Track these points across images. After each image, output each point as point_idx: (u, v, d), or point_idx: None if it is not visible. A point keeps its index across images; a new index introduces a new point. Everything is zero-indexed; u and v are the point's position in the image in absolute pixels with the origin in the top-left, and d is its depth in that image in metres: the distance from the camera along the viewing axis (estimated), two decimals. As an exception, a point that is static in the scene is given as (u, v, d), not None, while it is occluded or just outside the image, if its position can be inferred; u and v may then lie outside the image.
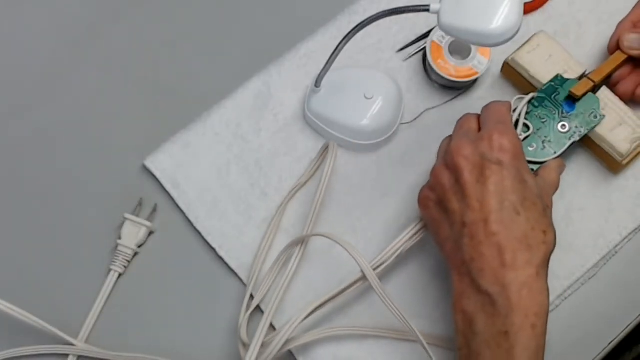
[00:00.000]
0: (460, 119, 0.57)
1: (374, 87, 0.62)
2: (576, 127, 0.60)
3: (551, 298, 0.59)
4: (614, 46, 0.63)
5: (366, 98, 0.62)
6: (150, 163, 0.64)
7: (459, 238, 0.51)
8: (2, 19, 0.69)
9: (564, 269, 0.61)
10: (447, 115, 0.65)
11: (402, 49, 0.67)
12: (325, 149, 0.62)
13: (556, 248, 0.60)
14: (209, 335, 0.60)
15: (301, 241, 0.60)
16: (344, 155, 0.63)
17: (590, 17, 0.67)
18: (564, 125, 0.60)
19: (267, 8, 0.68)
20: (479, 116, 0.56)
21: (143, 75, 0.67)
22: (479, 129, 0.55)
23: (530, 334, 0.49)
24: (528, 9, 0.67)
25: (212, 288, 0.61)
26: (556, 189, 0.56)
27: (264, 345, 0.56)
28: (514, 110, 0.60)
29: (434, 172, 0.54)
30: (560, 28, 0.67)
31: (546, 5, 0.67)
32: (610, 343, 0.60)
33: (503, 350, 0.48)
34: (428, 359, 0.55)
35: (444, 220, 0.53)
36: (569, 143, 0.60)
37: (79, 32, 0.68)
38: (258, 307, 0.60)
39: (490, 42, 0.51)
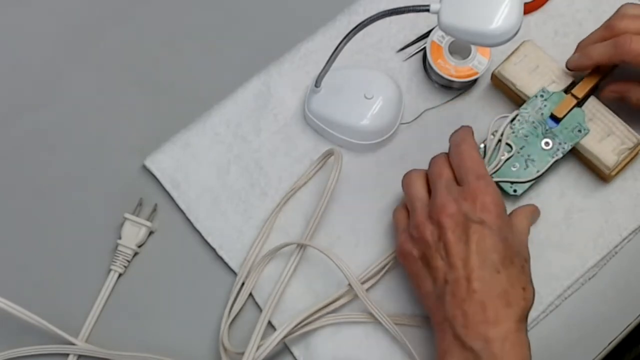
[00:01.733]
0: (432, 163, 0.58)
1: (374, 87, 0.62)
2: (559, 143, 0.60)
3: (551, 298, 0.60)
4: (573, 64, 0.61)
5: (366, 98, 0.62)
6: (150, 163, 0.64)
7: (442, 295, 0.52)
8: (2, 19, 0.69)
9: (564, 269, 0.61)
10: (447, 115, 0.65)
11: (402, 49, 0.67)
12: (328, 155, 0.62)
13: (556, 248, 0.61)
14: (209, 335, 0.60)
15: (297, 247, 0.60)
16: (344, 155, 0.63)
17: (590, 17, 0.67)
18: (547, 142, 0.60)
19: (267, 8, 0.69)
20: (448, 157, 0.57)
21: (143, 75, 0.67)
22: (454, 174, 0.56)
23: None
24: (528, 9, 0.67)
25: (212, 288, 0.61)
26: (527, 235, 0.57)
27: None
28: (496, 132, 0.60)
29: (417, 227, 0.55)
30: (560, 28, 0.67)
31: (546, 5, 0.67)
32: (610, 343, 0.60)
33: None
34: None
35: (426, 275, 0.54)
36: (551, 161, 0.60)
37: (79, 32, 0.68)
38: (257, 307, 0.60)
39: (490, 42, 0.51)
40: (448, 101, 0.65)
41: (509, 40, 0.51)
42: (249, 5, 0.69)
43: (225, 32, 0.68)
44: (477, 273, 0.51)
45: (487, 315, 0.50)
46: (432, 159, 0.58)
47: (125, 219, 0.62)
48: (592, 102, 0.61)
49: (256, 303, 0.60)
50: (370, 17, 0.53)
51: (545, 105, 0.61)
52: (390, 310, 0.60)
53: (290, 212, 0.62)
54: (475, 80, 0.65)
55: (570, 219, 0.62)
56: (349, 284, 0.58)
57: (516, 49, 0.63)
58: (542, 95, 0.61)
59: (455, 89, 0.65)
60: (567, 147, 0.60)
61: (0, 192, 0.64)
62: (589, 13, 0.67)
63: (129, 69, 0.67)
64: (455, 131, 0.58)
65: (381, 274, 0.60)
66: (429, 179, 0.57)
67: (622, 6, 0.60)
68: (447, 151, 0.58)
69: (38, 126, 0.65)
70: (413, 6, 0.52)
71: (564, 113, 0.60)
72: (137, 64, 0.67)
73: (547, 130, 0.60)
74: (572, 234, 0.62)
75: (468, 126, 0.58)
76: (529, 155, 0.60)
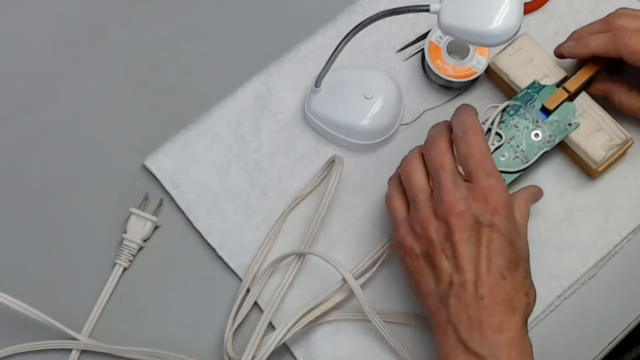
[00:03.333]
0: (431, 147, 0.54)
1: (374, 87, 0.62)
2: (550, 135, 0.60)
3: (551, 298, 0.60)
4: (568, 50, 0.61)
5: (366, 98, 0.62)
6: (150, 163, 0.64)
7: (445, 297, 0.51)
8: (2, 19, 0.69)
9: (564, 269, 0.61)
10: (447, 115, 0.64)
11: (402, 49, 0.67)
12: (331, 163, 0.62)
13: (556, 248, 0.61)
14: (210, 331, 0.60)
15: (297, 256, 0.60)
16: (344, 155, 0.63)
17: (590, 17, 0.66)
18: (537, 133, 0.60)
19: (267, 8, 0.69)
20: (450, 142, 0.54)
21: (143, 75, 0.67)
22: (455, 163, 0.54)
23: None
24: (528, 9, 0.67)
25: (217, 284, 0.61)
26: (527, 219, 0.56)
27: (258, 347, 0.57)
28: (487, 120, 0.60)
29: (421, 223, 0.53)
30: (560, 28, 0.67)
31: (546, 5, 0.67)
32: (610, 343, 0.60)
33: None
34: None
35: (428, 274, 0.53)
36: (540, 152, 0.60)
37: (79, 32, 0.68)
38: (257, 307, 0.60)
39: (490, 42, 0.51)
40: (448, 101, 0.65)
41: (509, 40, 0.51)
42: (249, 5, 0.69)
43: (225, 32, 0.68)
44: (484, 278, 0.50)
45: (493, 321, 0.50)
46: (430, 140, 0.55)
47: (131, 213, 0.62)
48: (583, 97, 0.61)
49: (257, 305, 0.60)
50: (370, 17, 0.53)
51: (536, 98, 0.61)
52: (388, 309, 0.60)
53: (291, 214, 0.62)
54: (474, 80, 0.65)
55: (570, 219, 0.62)
56: (343, 279, 0.57)
57: (512, 42, 0.63)
58: (533, 88, 0.61)
59: (455, 89, 0.65)
60: (557, 139, 0.60)
61: (3, 189, 0.64)
62: (589, 13, 0.67)
63: (129, 69, 0.67)
64: (458, 111, 0.55)
65: (375, 267, 0.59)
66: (427, 166, 0.55)
67: (619, 8, 0.60)
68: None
69: (37, 125, 0.65)
70: (413, 6, 0.52)
71: (555, 105, 0.60)
72: (137, 64, 0.67)
73: (537, 122, 0.61)
74: (572, 234, 0.62)
75: (471, 107, 0.56)
76: (518, 146, 0.60)
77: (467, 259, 0.51)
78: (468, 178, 0.53)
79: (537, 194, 0.59)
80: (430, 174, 0.54)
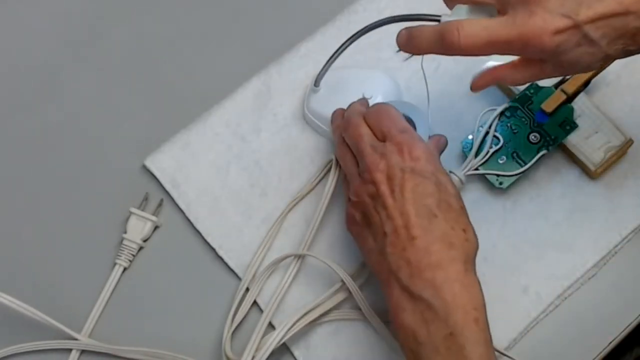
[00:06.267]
0: (347, 125, 0.57)
1: (373, 87, 0.62)
2: (547, 138, 0.60)
3: (551, 298, 0.60)
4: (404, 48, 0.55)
5: (365, 98, 0.62)
6: (150, 163, 0.64)
7: (382, 249, 0.52)
8: (2, 18, 0.69)
9: (564, 269, 0.61)
10: (447, 114, 0.65)
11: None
12: (330, 165, 0.62)
13: (556, 248, 0.61)
14: (210, 331, 0.60)
15: (295, 257, 0.60)
16: (344, 155, 0.63)
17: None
18: (535, 136, 0.60)
19: (267, 8, 0.69)
20: (364, 117, 0.56)
21: (143, 75, 0.67)
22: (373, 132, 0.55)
23: (475, 328, 0.48)
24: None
25: (217, 284, 0.61)
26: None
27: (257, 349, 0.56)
28: (484, 123, 0.60)
29: (355, 192, 0.54)
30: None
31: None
32: (610, 343, 0.60)
33: (453, 352, 0.48)
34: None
35: (367, 234, 0.54)
36: (538, 155, 0.60)
37: (79, 32, 0.68)
38: (257, 308, 0.60)
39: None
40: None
41: None
42: (248, 6, 0.69)
43: (225, 32, 0.68)
44: (414, 220, 0.50)
45: (431, 259, 0.49)
46: (347, 121, 0.57)
47: (131, 213, 0.62)
48: (582, 99, 0.61)
49: (257, 305, 0.60)
50: (377, 21, 0.53)
51: (534, 100, 0.61)
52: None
53: (290, 214, 0.62)
54: None
55: (571, 219, 0.62)
56: (342, 280, 0.57)
57: None
58: (531, 90, 0.61)
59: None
60: (555, 142, 0.60)
61: (3, 188, 0.64)
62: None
63: (129, 68, 0.67)
64: (352, 104, 0.59)
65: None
66: (348, 144, 0.57)
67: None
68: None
69: (37, 125, 0.66)
70: (424, 15, 0.52)
71: (553, 108, 0.60)
72: (137, 64, 0.67)
73: (535, 124, 0.60)
74: (572, 234, 0.61)
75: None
76: (516, 148, 0.60)
77: (395, 207, 0.51)
78: (384, 139, 0.55)
79: (443, 143, 0.58)
80: (353, 150, 0.56)
